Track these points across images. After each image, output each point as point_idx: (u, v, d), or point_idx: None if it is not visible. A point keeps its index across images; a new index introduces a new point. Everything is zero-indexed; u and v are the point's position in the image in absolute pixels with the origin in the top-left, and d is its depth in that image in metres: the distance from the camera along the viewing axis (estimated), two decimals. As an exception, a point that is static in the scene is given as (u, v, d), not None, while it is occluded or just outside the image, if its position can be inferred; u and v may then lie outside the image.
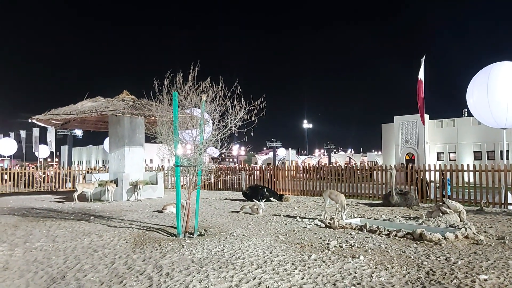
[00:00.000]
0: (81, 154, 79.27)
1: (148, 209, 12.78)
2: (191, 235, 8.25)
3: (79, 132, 40.12)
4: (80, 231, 8.70)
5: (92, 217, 10.91)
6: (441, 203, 10.18)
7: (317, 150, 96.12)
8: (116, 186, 15.91)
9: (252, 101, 8.39)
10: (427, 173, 15.53)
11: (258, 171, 20.57)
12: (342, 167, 18.95)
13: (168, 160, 9.77)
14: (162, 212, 11.85)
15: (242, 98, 8.34)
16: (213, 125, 8.59)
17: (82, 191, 15.39)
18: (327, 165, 25.08)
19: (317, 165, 20.67)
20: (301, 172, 19.83)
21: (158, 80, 8.38)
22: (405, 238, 7.67)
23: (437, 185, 15.62)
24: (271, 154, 65.56)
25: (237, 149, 57.79)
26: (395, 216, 10.81)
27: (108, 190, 15.33)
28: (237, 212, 11.88)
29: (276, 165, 45.52)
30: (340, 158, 62.08)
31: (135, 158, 17.06)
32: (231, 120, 8.36)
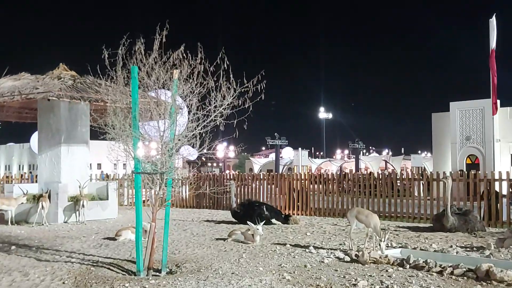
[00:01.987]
0: (-2, 156, 78.95)
1: (95, 236, 12.78)
2: (157, 273, 8.25)
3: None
4: (-4, 267, 8.67)
5: (13, 247, 10.87)
6: (516, 227, 10.22)
7: (339, 151, 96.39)
8: (49, 202, 15.85)
9: (246, 80, 8.39)
10: (497, 183, 15.58)
11: (265, 181, 20.49)
12: (375, 175, 18.93)
13: (124, 164, 9.77)
14: (116, 239, 11.89)
15: (231, 76, 8.37)
16: (189, 114, 8.59)
17: (0, 210, 15.31)
18: (354, 172, 25.04)
19: (338, 173, 20.69)
20: (315, 182, 19.83)
21: (109, 50, 8.38)
22: (465, 278, 7.70)
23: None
24: (272, 156, 65.51)
25: (223, 149, 57.68)
26: (451, 246, 10.84)
27: (43, 207, 15.20)
28: (224, 239, 11.91)
29: (280, 172, 45.66)
30: (373, 162, 62.22)
31: (77, 162, 17.02)
32: (215, 106, 8.35)
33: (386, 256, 9.08)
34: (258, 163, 70.14)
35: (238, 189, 20.50)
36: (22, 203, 15.68)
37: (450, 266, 8.11)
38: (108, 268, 8.66)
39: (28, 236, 12.88)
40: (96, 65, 8.66)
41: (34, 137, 25.70)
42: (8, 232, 13.53)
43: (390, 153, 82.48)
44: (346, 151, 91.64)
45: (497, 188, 15.63)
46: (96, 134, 9.43)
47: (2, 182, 23.47)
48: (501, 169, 22.09)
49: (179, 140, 8.45)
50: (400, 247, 10.72)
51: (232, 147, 59.03)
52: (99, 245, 11.25)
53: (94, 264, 9.02)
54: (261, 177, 21.00)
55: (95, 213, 16.86)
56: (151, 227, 8.43)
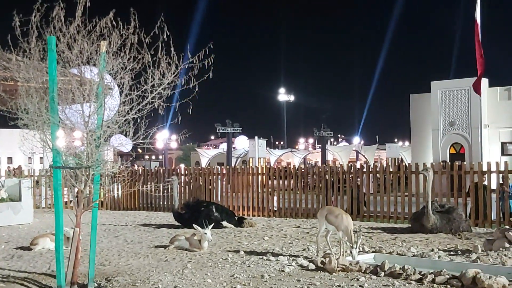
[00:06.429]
0: None
1: (5, 245, 12.68)
2: (83, 289, 8.14)
3: None
4: None
5: None
6: (508, 227, 10.50)
7: (302, 140, 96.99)
8: None
9: (190, 55, 8.35)
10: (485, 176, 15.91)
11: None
12: (345, 168, 19.14)
13: (41, 157, 9.60)
14: (31, 249, 11.77)
15: (172, 49, 8.31)
16: (120, 95, 8.49)
17: None
18: (320, 165, 25.26)
19: (303, 165, 20.87)
20: (275, 177, 19.96)
21: (20, 16, 8.18)
22: (448, 286, 7.88)
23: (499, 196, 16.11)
24: (223, 147, 65.44)
25: (164, 139, 57.12)
26: (432, 249, 11.09)
27: None
28: (165, 247, 11.93)
29: (234, 165, 45.61)
30: (342, 152, 62.98)
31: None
32: (153, 86, 8.28)
33: (357, 262, 9.21)
34: (206, 155, 69.79)
35: (184, 187, 20.45)
36: None
37: (432, 273, 8.26)
38: (22, 284, 8.55)
39: None
40: (5, 35, 8.44)
41: None
42: None
43: (362, 142, 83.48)
44: (311, 140, 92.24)
45: (485, 182, 15.96)
46: (5, 120, 9.21)
47: None
48: (489, 159, 22.63)
49: (108, 127, 8.38)
50: (373, 251, 10.88)
51: (174, 136, 58.54)
52: (10, 256, 11.06)
53: (4, 279, 8.92)
54: (210, 172, 20.96)
55: (5, 217, 16.59)
56: (74, 233, 8.32)
